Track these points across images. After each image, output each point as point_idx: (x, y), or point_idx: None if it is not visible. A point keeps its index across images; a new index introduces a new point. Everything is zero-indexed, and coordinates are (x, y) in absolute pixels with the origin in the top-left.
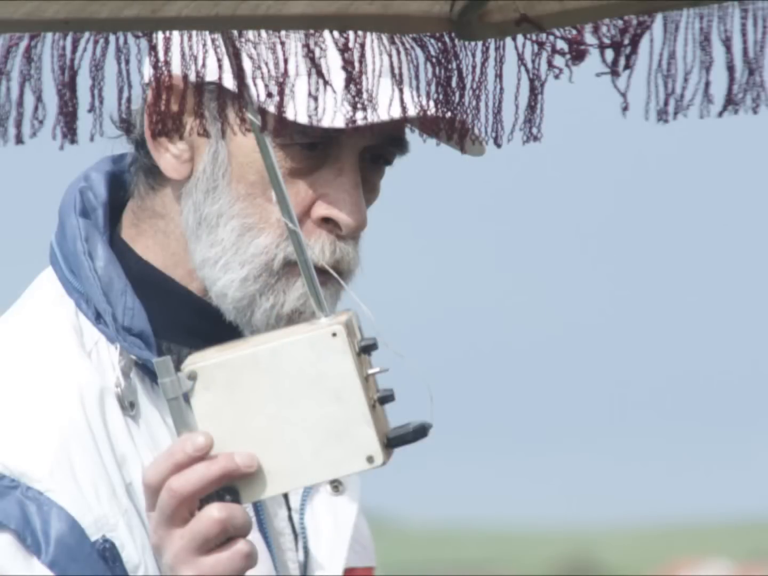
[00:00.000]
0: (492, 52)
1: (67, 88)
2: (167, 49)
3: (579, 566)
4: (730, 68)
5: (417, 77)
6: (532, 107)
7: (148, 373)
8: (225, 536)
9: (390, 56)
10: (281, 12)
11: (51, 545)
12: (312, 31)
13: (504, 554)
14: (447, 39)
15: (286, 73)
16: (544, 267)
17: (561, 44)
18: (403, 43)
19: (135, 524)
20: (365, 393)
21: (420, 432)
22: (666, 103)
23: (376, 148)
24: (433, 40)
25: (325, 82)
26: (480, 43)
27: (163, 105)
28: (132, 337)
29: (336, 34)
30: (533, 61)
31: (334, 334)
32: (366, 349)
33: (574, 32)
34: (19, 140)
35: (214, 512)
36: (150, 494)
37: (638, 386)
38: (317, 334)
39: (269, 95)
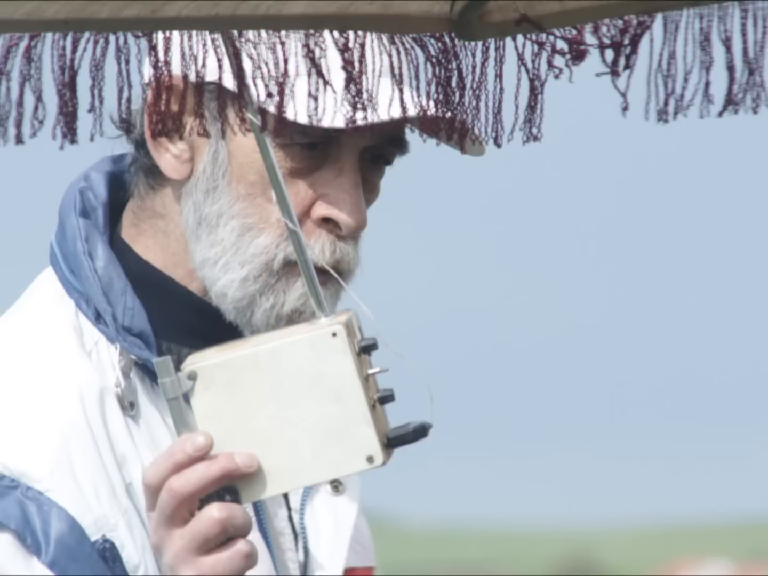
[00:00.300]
0: (492, 52)
1: (67, 88)
2: (167, 49)
3: (579, 566)
4: (730, 68)
5: (417, 77)
6: (532, 107)
7: (148, 373)
8: (225, 536)
9: (390, 56)
10: (281, 12)
11: (51, 545)
12: (312, 31)
13: (504, 554)
14: (447, 39)
15: (286, 73)
16: (544, 267)
17: (561, 44)
18: (403, 43)
19: (135, 524)
20: (365, 393)
21: (420, 432)
22: (666, 103)
23: (376, 148)
24: (433, 40)
25: (325, 82)
26: (480, 43)
27: (163, 105)
28: (132, 337)
29: (336, 34)
30: (533, 61)
31: (334, 334)
32: (366, 349)
33: (574, 32)
34: (19, 140)
35: (214, 512)
36: (150, 494)
37: (638, 386)
38: (317, 334)
39: (269, 95)
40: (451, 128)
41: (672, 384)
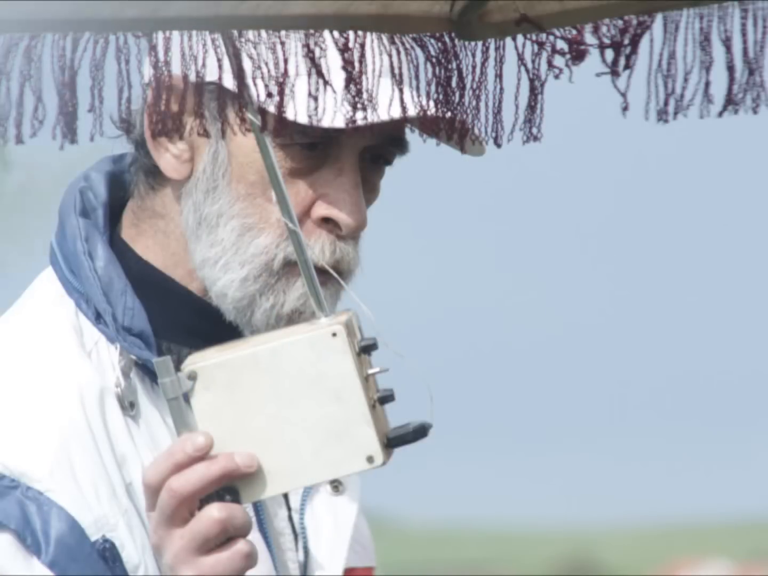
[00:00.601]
0: (492, 52)
1: (67, 88)
2: (167, 49)
3: (579, 566)
4: (730, 68)
5: (417, 77)
6: (532, 107)
7: (148, 373)
8: (225, 536)
9: (390, 56)
10: (281, 12)
11: (51, 545)
12: (312, 31)
13: (504, 554)
14: (447, 39)
15: (286, 73)
16: (544, 267)
17: (561, 44)
18: (403, 43)
19: (135, 524)
20: (365, 393)
21: (420, 432)
22: (666, 103)
23: (376, 148)
24: (433, 40)
25: (325, 82)
26: (480, 43)
27: (163, 105)
28: (132, 337)
29: (336, 34)
30: (533, 61)
31: (334, 334)
32: (366, 349)
33: (574, 32)
34: (19, 140)
35: (214, 512)
36: (150, 494)
37: (638, 386)
38: (317, 334)
39: (269, 95)
40: (451, 128)
41: (672, 384)
